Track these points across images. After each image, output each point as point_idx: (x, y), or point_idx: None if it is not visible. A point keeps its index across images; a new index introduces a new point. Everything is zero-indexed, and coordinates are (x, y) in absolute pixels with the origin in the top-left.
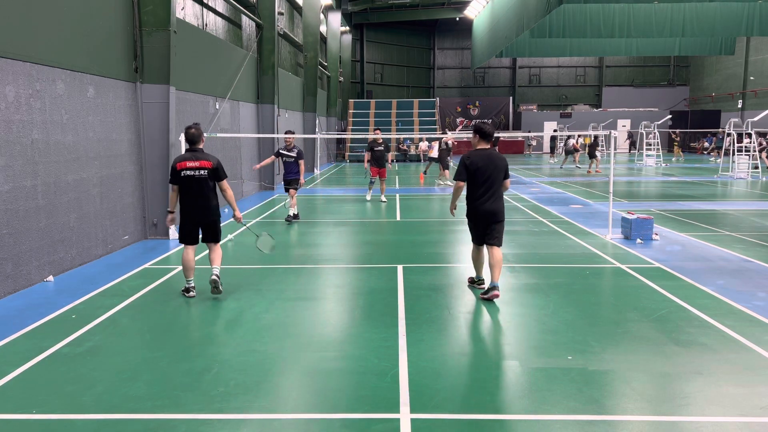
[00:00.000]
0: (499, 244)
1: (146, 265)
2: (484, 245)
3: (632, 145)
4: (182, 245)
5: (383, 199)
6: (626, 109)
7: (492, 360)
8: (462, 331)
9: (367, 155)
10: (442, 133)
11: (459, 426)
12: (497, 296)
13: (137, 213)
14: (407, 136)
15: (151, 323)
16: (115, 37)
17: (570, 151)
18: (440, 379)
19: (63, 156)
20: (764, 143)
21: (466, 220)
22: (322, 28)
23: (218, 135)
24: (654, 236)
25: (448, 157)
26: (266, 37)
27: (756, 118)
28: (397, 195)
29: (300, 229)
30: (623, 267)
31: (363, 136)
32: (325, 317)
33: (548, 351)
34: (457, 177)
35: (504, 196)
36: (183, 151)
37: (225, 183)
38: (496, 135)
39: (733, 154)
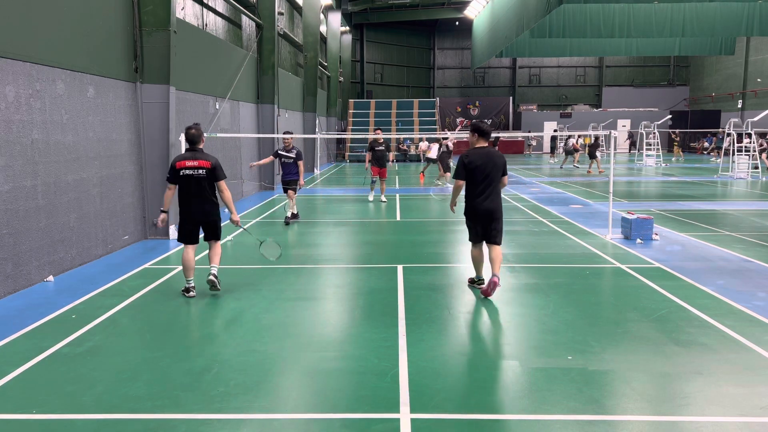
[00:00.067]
0: (500, 242)
1: (146, 265)
2: (483, 243)
3: (632, 145)
4: (182, 245)
5: (383, 199)
6: (626, 109)
7: (492, 360)
8: (462, 331)
9: (368, 155)
10: (442, 133)
11: (459, 426)
12: (496, 282)
13: (137, 213)
14: (407, 136)
15: (151, 323)
16: (115, 37)
17: (570, 152)
18: (440, 379)
19: (63, 156)
20: (765, 144)
21: (465, 219)
22: (322, 28)
23: (218, 135)
24: (654, 236)
25: (449, 159)
26: (266, 37)
27: (756, 118)
28: (397, 195)
29: (300, 229)
30: (623, 267)
31: (363, 136)
32: (325, 317)
33: (548, 351)
34: (457, 176)
35: (501, 194)
36: (183, 151)
37: (223, 183)
38: (496, 135)
39: (733, 154)
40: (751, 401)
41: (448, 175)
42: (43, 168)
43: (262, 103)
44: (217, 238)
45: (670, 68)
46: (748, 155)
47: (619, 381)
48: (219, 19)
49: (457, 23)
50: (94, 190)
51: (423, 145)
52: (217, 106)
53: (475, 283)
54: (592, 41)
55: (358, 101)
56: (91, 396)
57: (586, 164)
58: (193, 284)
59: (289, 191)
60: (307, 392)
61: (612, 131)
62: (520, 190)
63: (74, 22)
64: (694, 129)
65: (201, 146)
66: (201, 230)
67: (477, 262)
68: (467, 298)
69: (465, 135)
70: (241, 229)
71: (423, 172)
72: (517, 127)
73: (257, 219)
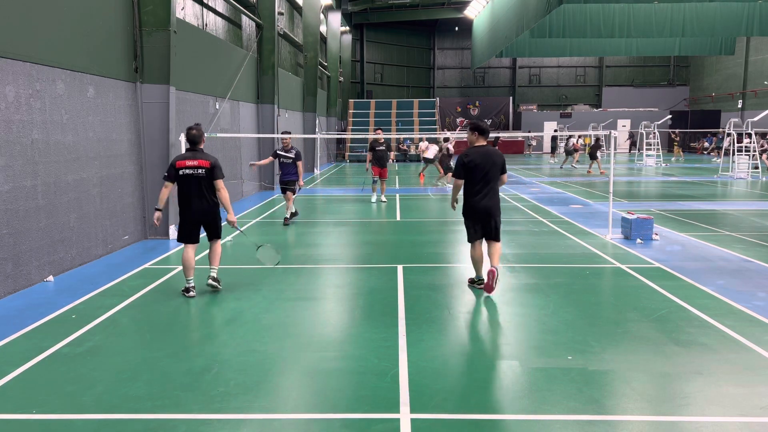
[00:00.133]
0: (499, 239)
1: (146, 265)
2: (482, 242)
3: (632, 145)
4: (182, 245)
5: (383, 199)
6: (626, 109)
7: (492, 360)
8: (462, 331)
9: (368, 155)
10: (442, 133)
11: (459, 426)
12: (494, 272)
13: (137, 213)
14: (407, 136)
15: (151, 323)
16: (115, 37)
17: (570, 152)
18: (440, 379)
19: (63, 156)
20: (766, 145)
21: (464, 220)
22: (322, 28)
23: (218, 135)
24: (654, 236)
25: (449, 161)
26: (266, 37)
27: (756, 118)
28: (397, 195)
29: (300, 229)
30: (623, 267)
31: (363, 136)
32: (325, 317)
33: (548, 351)
34: (456, 174)
35: (500, 193)
36: (183, 151)
37: (220, 183)
38: (496, 135)
39: (733, 154)
40: (751, 401)
41: (449, 175)
42: (43, 168)
43: (262, 103)
44: (218, 237)
45: (670, 68)
46: (748, 155)
47: (619, 381)
48: (219, 19)
49: (456, 28)
50: (94, 190)
51: (423, 145)
52: (217, 106)
53: (475, 283)
54: (592, 41)
55: (358, 101)
56: (91, 396)
57: (585, 164)
58: (193, 284)
59: (288, 192)
60: (307, 392)
61: (612, 131)
62: (520, 190)
63: (74, 22)
64: (694, 129)
65: (201, 146)
66: (202, 230)
67: (477, 262)
68: (467, 298)
69: (465, 135)
70: (238, 231)
71: (422, 172)
72: (517, 127)
73: (257, 219)
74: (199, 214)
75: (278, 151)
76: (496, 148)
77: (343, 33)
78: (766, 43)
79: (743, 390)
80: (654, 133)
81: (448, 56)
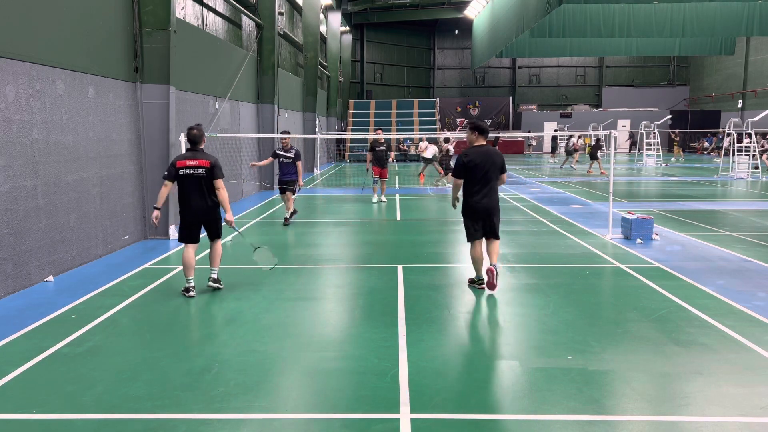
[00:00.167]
0: (499, 236)
1: (146, 265)
2: (482, 241)
3: (632, 145)
4: (183, 245)
5: (383, 199)
6: (626, 109)
7: (492, 360)
8: (462, 331)
9: (369, 155)
10: (443, 133)
11: (459, 426)
12: (493, 271)
13: (137, 213)
14: (407, 136)
15: (151, 323)
16: (115, 37)
17: (570, 152)
18: (440, 379)
19: (63, 156)
20: (766, 145)
21: (463, 220)
22: (322, 28)
23: (218, 135)
24: (654, 236)
25: (449, 162)
26: (266, 37)
27: (756, 118)
28: (397, 195)
29: (300, 229)
30: (623, 267)
31: (363, 136)
32: (325, 317)
33: (548, 351)
34: (456, 174)
35: (499, 192)
36: (183, 151)
37: (220, 182)
38: (496, 135)
39: (733, 154)
40: (751, 401)
41: (449, 175)
42: (43, 168)
43: (262, 103)
44: (218, 237)
45: (670, 68)
46: (748, 155)
47: (619, 381)
48: (219, 19)
49: (456, 32)
50: (94, 190)
51: (422, 145)
52: (217, 106)
53: (475, 283)
54: (592, 41)
55: (358, 101)
56: (91, 396)
57: (584, 164)
58: (193, 284)
59: (288, 192)
60: (307, 392)
61: (612, 131)
62: (520, 190)
63: (74, 22)
64: (694, 129)
65: (202, 146)
66: (203, 230)
67: (477, 262)
68: (467, 298)
69: (464, 135)
70: (236, 232)
71: (422, 172)
72: (517, 127)
73: (257, 219)
74: (199, 214)
75: (278, 151)
76: (496, 148)
77: (343, 33)
78: (766, 43)
79: (743, 390)
80: (654, 133)
81: (448, 56)
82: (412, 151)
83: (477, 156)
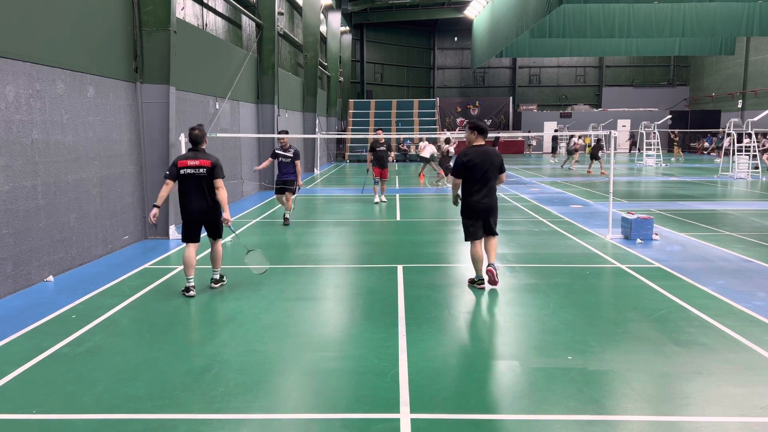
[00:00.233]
0: (497, 233)
1: (146, 265)
2: (482, 240)
3: (632, 145)
4: (183, 244)
5: (383, 199)
6: (626, 109)
7: (492, 360)
8: (462, 331)
9: (369, 156)
10: (443, 133)
11: (459, 426)
12: (493, 271)
13: (137, 213)
14: (407, 136)
15: (151, 323)
16: (115, 37)
17: (571, 151)
18: (440, 379)
19: (63, 156)
20: (767, 144)
21: (462, 219)
22: (322, 28)
23: (218, 135)
24: (654, 236)
25: (449, 162)
26: (266, 37)
27: (756, 118)
28: (397, 195)
29: (300, 229)
30: (623, 267)
31: (363, 136)
32: (325, 317)
33: (548, 351)
34: (455, 173)
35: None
36: (182, 152)
37: (220, 182)
38: (496, 135)
39: (733, 154)
40: (751, 401)
41: (451, 177)
42: (43, 168)
43: (262, 103)
44: (218, 237)
45: (670, 68)
46: (748, 155)
47: (619, 381)
48: (219, 19)
49: (456, 39)
50: (94, 190)
51: (422, 144)
52: (217, 106)
53: (475, 283)
54: (592, 41)
55: (358, 101)
56: (91, 396)
57: (584, 164)
58: (193, 283)
59: (287, 193)
60: (307, 392)
61: (612, 131)
62: (520, 190)
63: (74, 22)
64: (694, 129)
65: (204, 147)
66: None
67: (478, 261)
68: (467, 298)
69: (464, 135)
70: (233, 234)
71: (422, 172)
72: (517, 127)
73: (257, 219)
74: (200, 214)
75: (276, 151)
76: (496, 148)
77: (343, 33)
78: (766, 43)
79: (743, 390)
80: (654, 133)
81: (448, 56)
82: (412, 151)
83: (476, 156)
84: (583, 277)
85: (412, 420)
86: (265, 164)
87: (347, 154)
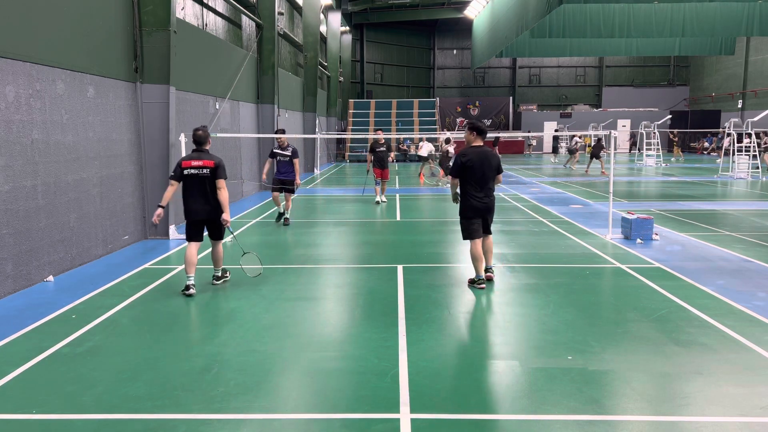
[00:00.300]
0: (491, 232)
1: (146, 265)
2: (481, 239)
3: (632, 145)
4: (185, 243)
5: (383, 199)
6: (626, 109)
7: (492, 360)
8: (462, 331)
9: (369, 156)
10: (443, 133)
11: (459, 426)
12: (491, 278)
13: (137, 213)
14: (407, 136)
15: (151, 323)
16: (115, 37)
17: (572, 151)
18: (440, 379)
19: (63, 156)
20: None
21: (461, 219)
22: (322, 28)
23: (218, 135)
24: (654, 236)
25: (449, 162)
26: (266, 37)
27: (756, 118)
28: (397, 195)
29: (300, 229)
30: (623, 267)
31: (363, 136)
32: (325, 317)
33: (548, 351)
34: (453, 173)
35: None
36: (183, 152)
37: (222, 182)
38: (496, 135)
39: (733, 154)
40: (751, 401)
41: (451, 178)
42: (43, 168)
43: (262, 103)
44: (220, 237)
45: (670, 68)
46: (749, 155)
47: (619, 381)
48: (219, 19)
49: (455, 52)
50: (94, 190)
51: (422, 144)
52: (217, 106)
53: (475, 283)
54: (592, 41)
55: (358, 101)
56: (91, 396)
57: (584, 164)
58: (193, 282)
59: (286, 193)
60: (307, 392)
61: (612, 131)
62: (520, 190)
63: (74, 22)
64: (694, 129)
65: (207, 147)
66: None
67: (477, 260)
68: (467, 298)
69: (462, 135)
70: (232, 235)
71: (422, 172)
72: (517, 127)
73: (257, 219)
74: (203, 214)
75: (275, 150)
76: (496, 148)
77: (343, 33)
78: (766, 43)
79: (743, 390)
80: (654, 133)
81: (448, 56)
82: (412, 151)
83: (475, 156)
84: (583, 277)
85: (412, 420)
86: (266, 168)
87: (347, 154)
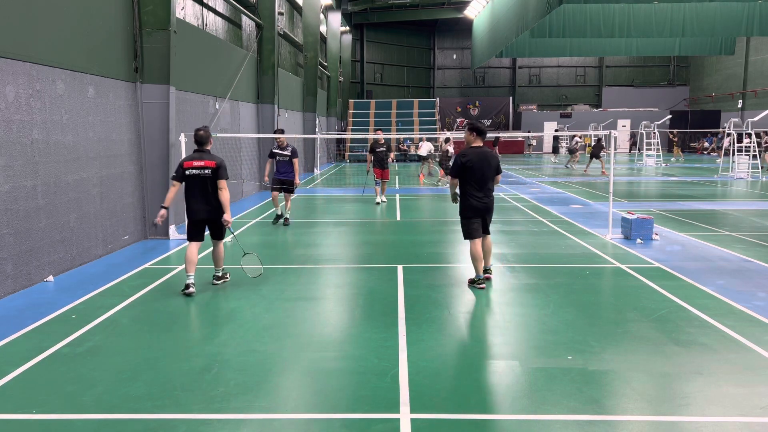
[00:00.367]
0: (489, 232)
1: (146, 265)
2: (481, 239)
3: (632, 145)
4: (186, 243)
5: (384, 199)
6: (626, 109)
7: (492, 360)
8: (462, 331)
9: (369, 156)
10: (443, 133)
11: (459, 426)
12: (490, 278)
13: (137, 213)
14: (407, 136)
15: (151, 323)
16: (115, 37)
17: (573, 150)
18: (440, 379)
19: (63, 156)
20: None
21: (461, 219)
22: (322, 28)
23: (218, 135)
24: (654, 236)
25: (449, 162)
26: (266, 37)
27: (756, 118)
28: (397, 195)
29: (300, 229)
30: (623, 267)
31: (363, 136)
32: (325, 317)
33: (548, 351)
34: (453, 173)
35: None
36: (183, 152)
37: (223, 183)
38: (496, 135)
39: (733, 154)
40: (751, 401)
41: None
42: (43, 168)
43: (262, 103)
44: (221, 237)
45: (670, 68)
46: (749, 155)
47: (619, 381)
48: (219, 19)
49: (454, 56)
50: (94, 190)
51: (421, 144)
52: (217, 106)
53: (475, 283)
54: (592, 41)
55: (358, 101)
56: (91, 396)
57: (583, 164)
58: (192, 281)
59: (286, 194)
60: (307, 392)
61: (612, 131)
62: (520, 190)
63: (74, 22)
64: (694, 129)
65: (209, 147)
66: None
67: (477, 259)
68: (467, 298)
69: (461, 135)
70: (232, 235)
71: (422, 171)
72: (517, 127)
73: (257, 219)
74: (204, 214)
75: (274, 150)
76: (496, 148)
77: (343, 33)
78: (766, 43)
79: (743, 390)
80: (654, 133)
81: (448, 56)
82: (413, 151)
83: (474, 157)
84: (583, 277)
85: (412, 420)
86: (268, 169)
87: (347, 154)
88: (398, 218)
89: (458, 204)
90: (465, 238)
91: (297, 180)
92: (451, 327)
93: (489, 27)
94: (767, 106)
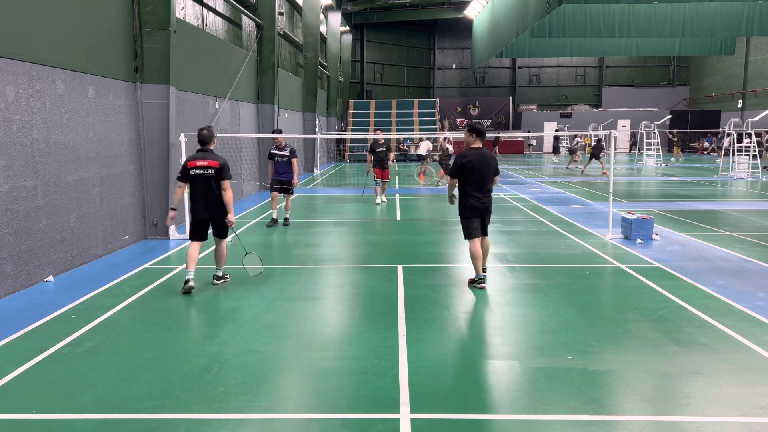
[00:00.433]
0: (487, 233)
1: (146, 265)
2: (480, 239)
3: (632, 145)
4: (189, 241)
5: (384, 199)
6: (626, 109)
7: (492, 360)
8: (462, 331)
9: (369, 156)
10: (442, 133)
11: (459, 426)
12: (486, 277)
13: (137, 213)
14: (407, 136)
15: (151, 323)
16: (115, 37)
17: (573, 150)
18: (440, 379)
19: (63, 156)
20: None
21: (461, 220)
22: (322, 28)
23: (218, 135)
24: (654, 236)
25: (448, 162)
26: (266, 37)
27: (756, 118)
28: (397, 195)
29: (300, 229)
30: (623, 267)
31: (363, 136)
32: (325, 317)
33: (548, 351)
34: (452, 174)
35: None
36: (183, 152)
37: (226, 183)
38: (496, 135)
39: (733, 154)
40: (751, 401)
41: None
42: (43, 168)
43: (262, 103)
44: (224, 236)
45: (670, 68)
46: (748, 155)
47: (619, 381)
48: (219, 19)
49: (454, 66)
50: (94, 190)
51: (421, 143)
52: (217, 106)
53: (475, 283)
54: (592, 41)
55: (358, 101)
56: (91, 396)
57: (583, 164)
58: (192, 276)
59: (285, 194)
60: (307, 392)
61: (612, 131)
62: (520, 190)
63: (74, 22)
64: (694, 129)
65: (212, 147)
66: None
67: (477, 259)
68: (467, 298)
69: (461, 135)
70: (233, 234)
71: (422, 171)
72: (517, 127)
73: (257, 219)
74: (207, 213)
75: (272, 151)
76: (496, 148)
77: (343, 33)
78: (766, 43)
79: (743, 390)
80: (654, 133)
81: (448, 56)
82: (412, 151)
83: (474, 158)
84: (583, 277)
85: (412, 420)
86: (271, 171)
87: (347, 154)
88: (398, 218)
89: (457, 204)
90: (465, 237)
91: (295, 180)
92: (451, 327)
93: (489, 27)
94: (767, 106)
